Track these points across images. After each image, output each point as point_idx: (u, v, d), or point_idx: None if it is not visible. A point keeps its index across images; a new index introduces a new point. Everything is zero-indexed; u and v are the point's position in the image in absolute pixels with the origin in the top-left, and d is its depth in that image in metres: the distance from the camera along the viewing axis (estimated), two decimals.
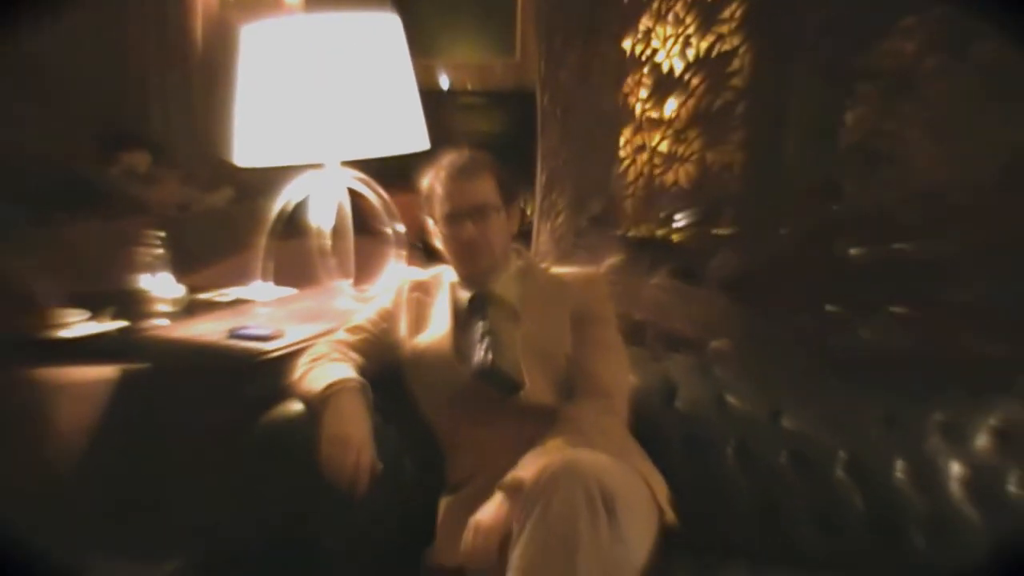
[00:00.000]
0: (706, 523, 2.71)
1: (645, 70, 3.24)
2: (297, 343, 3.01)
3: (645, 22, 3.24)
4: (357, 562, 2.54)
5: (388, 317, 2.87)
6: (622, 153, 3.28)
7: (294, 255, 3.48)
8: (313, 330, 3.10)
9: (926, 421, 2.79)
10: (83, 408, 3.00)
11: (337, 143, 3.25)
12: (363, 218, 3.50)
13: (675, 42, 3.18)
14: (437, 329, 2.77)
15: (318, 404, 2.53)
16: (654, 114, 3.23)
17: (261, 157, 3.27)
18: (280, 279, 3.63)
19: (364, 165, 3.44)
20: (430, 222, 2.84)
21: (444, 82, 4.86)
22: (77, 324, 3.40)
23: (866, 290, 3.01)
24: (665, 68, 3.20)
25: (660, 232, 3.27)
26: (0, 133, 5.18)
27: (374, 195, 3.42)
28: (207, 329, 3.19)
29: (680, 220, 3.22)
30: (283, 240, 3.47)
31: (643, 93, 3.25)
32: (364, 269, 3.51)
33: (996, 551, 2.58)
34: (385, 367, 2.78)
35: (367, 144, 3.28)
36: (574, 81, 3.43)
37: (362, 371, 2.69)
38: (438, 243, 2.85)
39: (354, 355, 2.76)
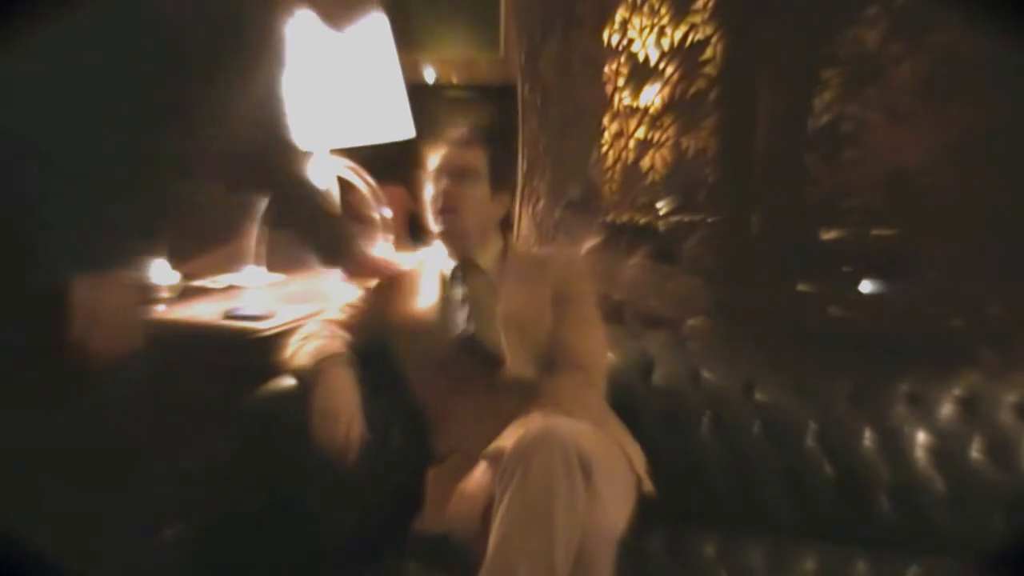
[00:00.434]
0: (682, 492, 2.79)
1: (622, 59, 3.30)
2: (288, 323, 3.09)
3: (622, 13, 3.31)
4: (347, 529, 2.60)
5: (379, 292, 2.96)
6: (601, 140, 3.36)
7: (284, 241, 3.55)
8: (303, 311, 3.19)
9: (892, 392, 2.90)
10: None
11: (326, 132, 3.32)
12: (351, 204, 3.58)
13: (650, 32, 3.24)
14: (423, 302, 2.85)
15: (309, 378, 2.61)
16: (631, 102, 3.29)
17: None
18: (271, 265, 3.72)
19: (353, 154, 3.52)
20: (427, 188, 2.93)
21: (430, 76, 4.88)
22: None
23: (835, 269, 3.09)
24: (641, 57, 3.26)
25: (637, 216, 3.34)
26: None
27: (362, 182, 3.51)
28: (202, 311, 3.27)
29: (656, 204, 3.30)
30: (273, 227, 3.54)
31: (620, 81, 3.32)
32: None
33: (960, 514, 2.71)
34: (376, 342, 2.85)
35: (355, 133, 3.37)
36: (553, 70, 3.50)
37: (352, 347, 2.76)
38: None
39: (344, 332, 2.83)
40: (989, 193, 2.94)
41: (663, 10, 3.22)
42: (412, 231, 3.72)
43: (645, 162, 3.29)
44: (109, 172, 2.20)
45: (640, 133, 3.28)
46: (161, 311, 3.31)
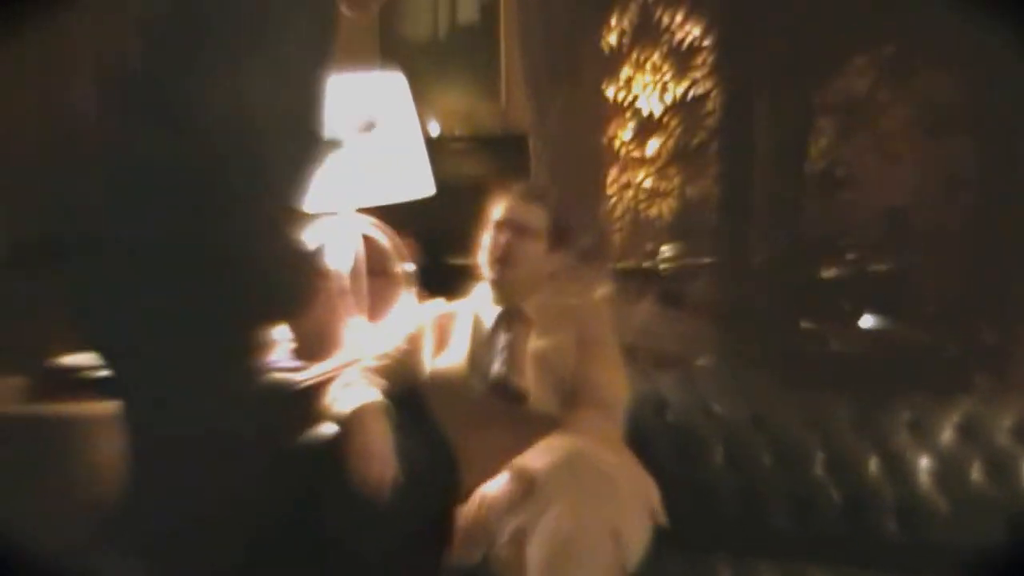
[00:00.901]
0: (697, 520, 2.89)
1: (627, 114, 3.48)
2: (323, 374, 3.23)
3: (626, 71, 3.50)
4: (380, 564, 2.69)
5: (413, 341, 3.06)
6: (609, 191, 3.51)
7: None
8: (334, 362, 3.33)
9: (895, 420, 3.03)
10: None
11: (351, 193, 3.47)
12: (376, 260, 3.72)
13: (654, 88, 3.43)
14: (456, 347, 2.96)
15: (348, 425, 2.75)
16: (637, 154, 3.47)
17: None
18: None
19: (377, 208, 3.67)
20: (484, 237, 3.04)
21: (432, 128, 4.95)
22: None
23: (835, 305, 3.25)
24: (645, 112, 3.45)
25: (646, 263, 3.50)
26: None
27: (386, 239, 3.66)
28: None
29: (664, 251, 3.45)
30: None
31: (626, 135, 3.49)
32: (377, 306, 3.73)
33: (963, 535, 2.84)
34: (409, 387, 2.98)
35: (379, 193, 3.51)
36: (561, 126, 3.64)
37: (387, 394, 2.88)
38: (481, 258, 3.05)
39: (380, 380, 2.95)
40: (978, 226, 3.11)
41: (665, 67, 3.41)
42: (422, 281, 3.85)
43: (652, 211, 3.44)
44: None
45: (647, 184, 3.43)
46: None
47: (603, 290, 3.08)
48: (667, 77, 3.45)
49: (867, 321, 3.23)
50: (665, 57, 3.46)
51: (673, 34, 3.42)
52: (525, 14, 3.82)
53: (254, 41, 2.32)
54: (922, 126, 3.17)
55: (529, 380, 2.80)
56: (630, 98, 3.49)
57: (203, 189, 2.23)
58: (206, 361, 2.31)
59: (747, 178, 3.36)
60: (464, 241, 4.70)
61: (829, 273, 3.30)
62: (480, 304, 3.03)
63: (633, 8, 3.48)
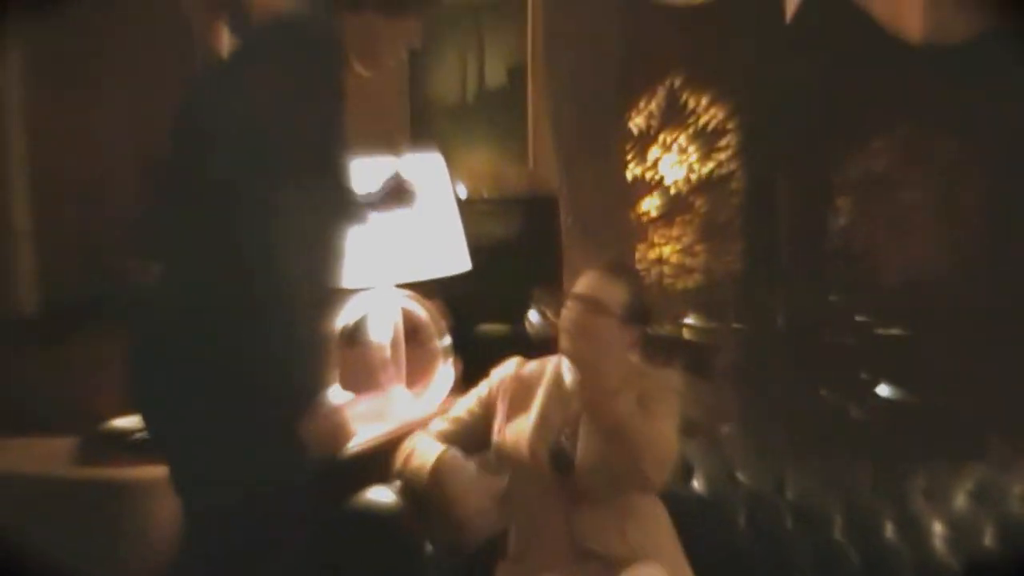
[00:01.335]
0: None
1: (655, 193, 3.63)
2: (369, 443, 3.37)
3: (654, 151, 3.65)
4: None
5: (485, 404, 3.13)
6: (639, 266, 3.66)
7: (354, 364, 3.82)
8: (379, 430, 3.47)
9: (910, 486, 3.18)
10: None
11: (390, 269, 3.64)
12: (415, 334, 3.87)
13: (680, 168, 3.59)
14: (526, 413, 3.01)
15: (432, 479, 2.90)
16: (665, 231, 3.62)
17: None
18: (342, 385, 3.98)
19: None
20: None
21: (460, 191, 5.00)
22: None
23: (854, 373, 3.40)
24: (673, 191, 3.60)
25: (673, 331, 3.65)
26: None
27: (424, 311, 3.82)
28: None
29: (690, 320, 3.59)
30: (343, 350, 3.80)
31: (654, 213, 3.65)
32: (416, 376, 3.88)
33: None
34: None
35: (416, 269, 3.66)
36: (594, 204, 3.81)
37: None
38: None
39: (447, 443, 3.04)
40: (992, 297, 3.26)
41: (692, 148, 3.55)
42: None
43: (679, 284, 3.58)
44: None
45: (674, 259, 3.58)
46: None
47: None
48: (693, 158, 3.59)
49: (884, 389, 3.35)
50: (691, 139, 3.60)
51: (699, 117, 3.55)
52: (555, 98, 3.97)
53: (266, 136, 2.41)
54: (937, 203, 3.30)
55: (584, 451, 2.86)
56: (658, 177, 3.62)
57: (240, 276, 2.37)
58: (253, 430, 2.42)
59: (770, 254, 3.51)
60: (491, 303, 4.85)
61: (848, 342, 3.43)
62: (562, 368, 3.06)
63: (660, 92, 3.62)
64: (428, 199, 3.66)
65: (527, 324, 4.83)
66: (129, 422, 3.45)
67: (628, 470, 2.79)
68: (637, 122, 3.69)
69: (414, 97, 5.62)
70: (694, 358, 3.50)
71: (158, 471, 2.79)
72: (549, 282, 4.09)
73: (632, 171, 3.72)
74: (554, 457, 2.88)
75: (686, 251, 3.59)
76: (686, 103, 3.62)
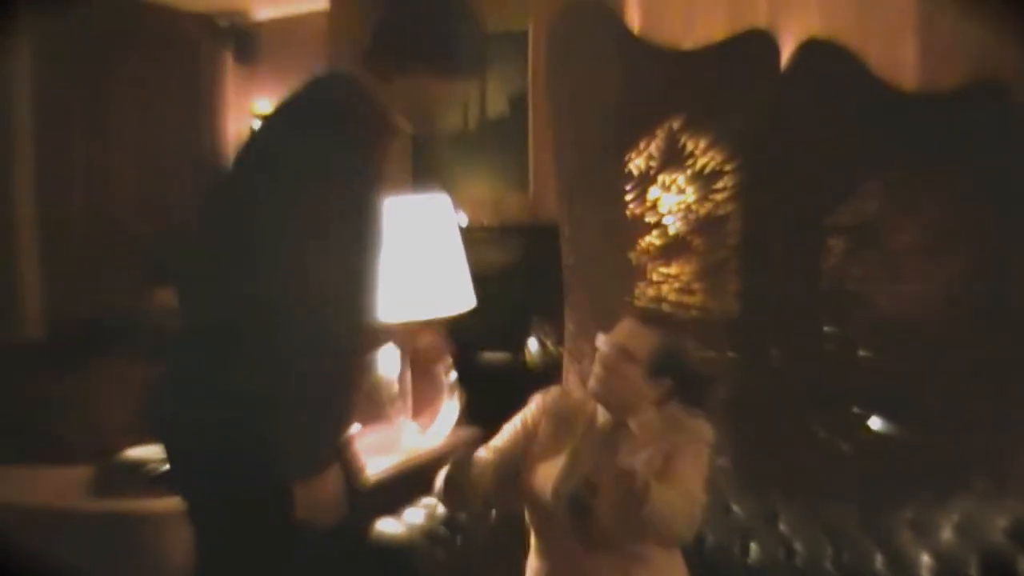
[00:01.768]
0: None
1: (654, 232, 3.73)
2: (378, 475, 3.46)
3: (653, 192, 3.76)
4: None
5: (527, 435, 3.08)
6: (637, 303, 3.75)
7: (362, 397, 3.90)
8: (387, 462, 3.56)
9: (898, 519, 3.31)
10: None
11: (397, 308, 3.72)
12: (423, 370, 3.97)
13: (679, 209, 3.70)
14: (559, 454, 2.98)
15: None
16: (663, 270, 3.72)
17: None
18: None
19: None
20: None
21: (462, 219, 5.04)
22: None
23: (845, 409, 3.50)
24: (671, 231, 3.69)
25: None
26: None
27: (431, 347, 3.93)
28: None
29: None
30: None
31: (652, 252, 3.75)
32: (423, 409, 3.98)
33: None
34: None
35: (424, 307, 3.77)
36: (594, 242, 3.90)
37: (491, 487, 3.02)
38: None
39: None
40: (979, 338, 3.38)
41: (690, 190, 3.66)
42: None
43: (677, 320, 3.67)
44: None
45: (672, 297, 3.67)
46: None
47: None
48: (691, 199, 3.69)
49: (874, 424, 3.45)
50: (689, 180, 3.70)
51: (697, 159, 3.66)
52: (557, 138, 4.04)
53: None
54: (926, 246, 3.42)
55: (607, 504, 2.75)
56: (656, 217, 3.72)
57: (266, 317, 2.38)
58: (267, 459, 2.42)
59: (765, 293, 3.61)
60: (492, 330, 4.94)
61: (840, 379, 3.54)
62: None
63: (660, 134, 3.72)
64: (435, 237, 3.78)
65: (526, 352, 4.94)
66: (143, 452, 3.53)
67: (651, 531, 2.77)
68: (637, 163, 3.79)
69: None
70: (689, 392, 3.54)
71: (172, 503, 2.84)
72: (549, 310, 4.19)
73: (632, 211, 3.81)
74: (573, 504, 2.83)
75: (684, 290, 3.68)
76: (685, 145, 3.72)
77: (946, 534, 3.27)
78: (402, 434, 3.92)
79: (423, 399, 4.05)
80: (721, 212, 3.67)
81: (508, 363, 5.10)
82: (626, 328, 2.97)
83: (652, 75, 3.83)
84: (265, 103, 8.09)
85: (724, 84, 3.70)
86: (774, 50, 3.63)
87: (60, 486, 3.65)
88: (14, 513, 3.45)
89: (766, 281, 3.63)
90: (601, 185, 3.88)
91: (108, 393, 4.40)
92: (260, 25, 8.24)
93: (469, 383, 4.22)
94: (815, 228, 3.58)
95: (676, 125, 3.75)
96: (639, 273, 3.79)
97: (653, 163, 3.77)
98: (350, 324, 2.56)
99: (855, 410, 3.52)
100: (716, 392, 3.25)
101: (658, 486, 2.62)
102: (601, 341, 2.96)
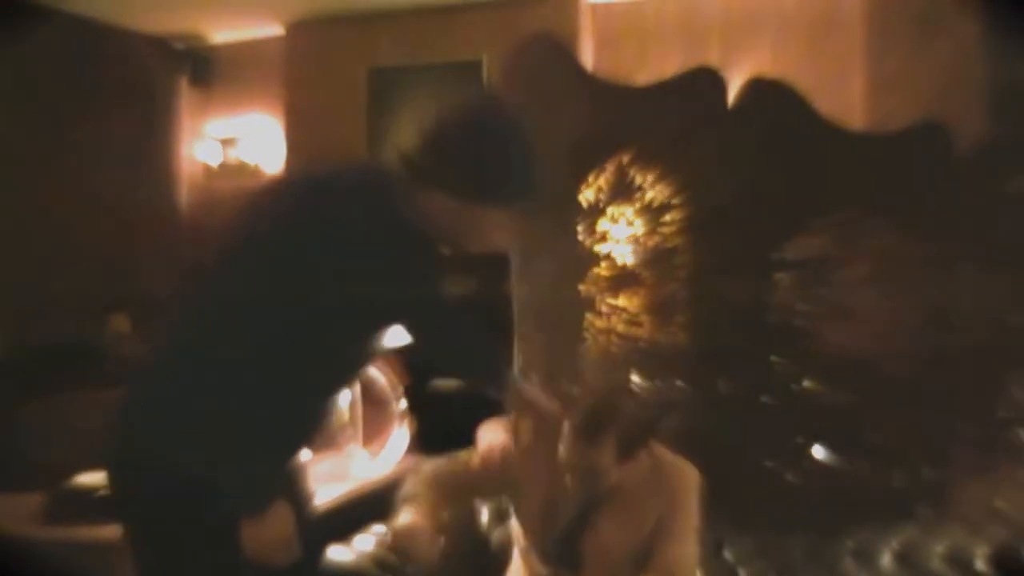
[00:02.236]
0: None
1: (603, 264, 3.78)
2: (328, 504, 3.49)
3: (603, 225, 3.81)
4: None
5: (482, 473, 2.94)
6: (586, 335, 3.80)
7: None
8: (338, 491, 3.59)
9: (840, 547, 3.37)
10: None
11: None
12: (373, 397, 4.01)
13: (628, 242, 3.75)
14: (527, 497, 2.89)
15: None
16: (612, 301, 3.77)
17: None
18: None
19: None
20: None
21: None
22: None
23: (790, 440, 3.57)
24: (620, 263, 3.75)
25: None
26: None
27: (382, 376, 3.97)
28: None
29: (636, 381, 3.73)
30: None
31: (602, 284, 3.80)
32: (372, 436, 4.02)
33: None
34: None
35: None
36: (545, 274, 3.94)
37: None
38: None
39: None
40: (923, 372, 3.46)
41: (638, 223, 3.71)
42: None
43: (624, 354, 3.73)
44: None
45: (621, 328, 3.73)
46: None
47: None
48: (640, 232, 3.75)
49: (819, 455, 3.51)
50: (638, 213, 3.76)
51: (645, 192, 3.71)
52: None
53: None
54: (870, 282, 3.49)
55: (595, 544, 2.74)
56: (606, 250, 3.76)
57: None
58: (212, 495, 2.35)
59: (713, 326, 3.67)
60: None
61: (786, 410, 3.60)
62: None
63: (610, 168, 3.77)
64: None
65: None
66: (93, 479, 3.50)
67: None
68: (587, 195, 3.84)
69: (372, 154, 5.80)
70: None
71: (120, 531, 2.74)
72: (499, 340, 4.24)
73: (581, 242, 3.86)
74: (558, 552, 2.77)
75: (633, 321, 3.72)
76: (634, 179, 3.78)
77: (886, 561, 3.33)
78: (352, 462, 3.96)
79: (373, 427, 4.08)
80: (669, 245, 3.73)
81: (458, 390, 5.13)
82: (585, 413, 2.74)
83: (603, 109, 3.89)
84: (219, 126, 8.15)
85: (673, 120, 3.77)
86: (722, 87, 3.70)
87: (12, 513, 3.62)
88: None
89: (714, 314, 3.69)
90: (552, 217, 3.90)
91: (61, 420, 4.40)
92: (216, 49, 8.29)
93: (419, 411, 4.26)
94: (763, 263, 3.64)
95: (626, 159, 3.80)
96: (588, 304, 3.84)
97: (603, 196, 3.82)
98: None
99: (801, 441, 3.58)
100: (666, 421, 3.20)
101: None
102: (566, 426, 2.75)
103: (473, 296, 5.34)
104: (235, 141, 8.29)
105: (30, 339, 6.23)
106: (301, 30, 7.27)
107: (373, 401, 4.07)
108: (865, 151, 3.57)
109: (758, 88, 3.65)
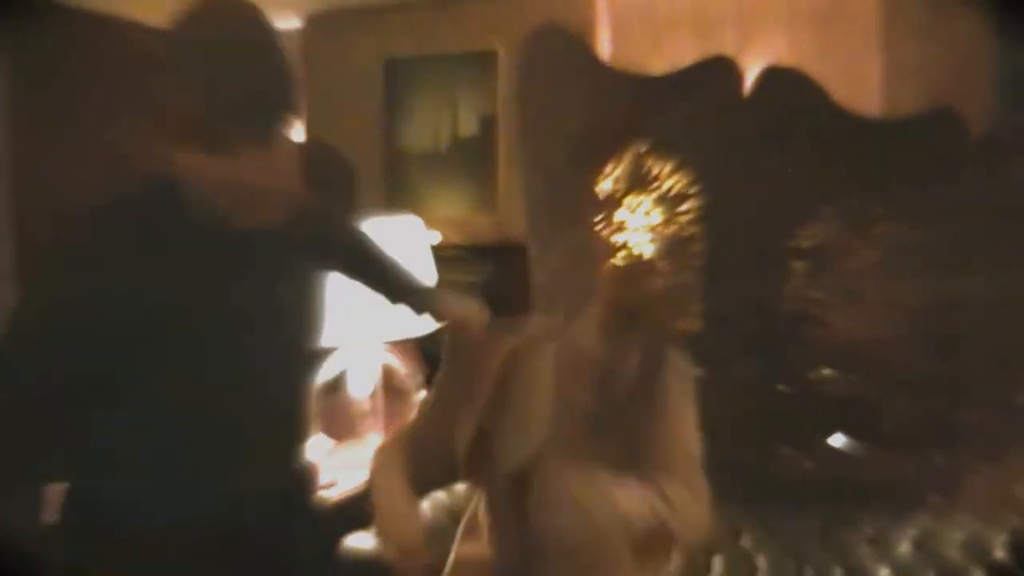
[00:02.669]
0: None
1: (620, 254, 3.78)
2: (349, 491, 3.52)
3: (619, 215, 3.81)
4: None
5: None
6: None
7: (335, 415, 3.97)
8: (359, 478, 3.61)
9: (857, 534, 3.41)
10: None
11: (369, 328, 3.82)
12: (393, 385, 4.04)
13: (645, 231, 3.77)
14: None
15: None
16: None
17: None
18: (325, 434, 4.13)
19: None
20: None
21: (431, 238, 5.06)
22: None
23: (806, 428, 3.59)
24: (636, 253, 3.75)
25: None
26: None
27: (402, 365, 4.00)
28: None
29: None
30: (325, 402, 3.93)
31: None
32: (393, 425, 4.04)
33: None
34: None
35: (395, 326, 3.83)
36: (562, 263, 3.97)
37: None
38: None
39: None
40: (931, 360, 3.46)
41: (655, 212, 3.73)
42: None
43: None
44: None
45: None
46: None
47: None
48: (656, 221, 3.76)
49: (834, 442, 3.53)
50: (655, 203, 3.77)
51: (662, 182, 3.72)
52: (525, 161, 4.11)
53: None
54: (883, 270, 3.50)
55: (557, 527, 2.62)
56: (623, 239, 3.77)
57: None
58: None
59: (728, 315, 3.68)
60: None
61: (801, 397, 3.63)
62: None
63: (627, 158, 3.80)
64: (406, 257, 3.84)
65: None
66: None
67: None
68: (604, 185, 3.85)
69: (388, 145, 5.80)
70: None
71: None
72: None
73: (599, 233, 3.85)
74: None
75: None
76: (651, 169, 3.79)
77: (904, 549, 3.36)
78: (371, 451, 3.96)
79: (394, 416, 4.11)
80: (685, 234, 3.73)
81: None
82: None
83: (619, 99, 3.90)
84: None
85: (689, 109, 3.77)
86: (738, 76, 3.70)
87: None
88: None
89: (729, 302, 3.69)
90: (568, 207, 3.93)
91: None
92: None
93: None
94: (776, 251, 3.66)
95: (642, 149, 3.82)
96: None
97: (620, 186, 3.83)
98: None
99: (816, 428, 3.61)
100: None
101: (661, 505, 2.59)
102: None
103: (491, 285, 5.34)
104: None
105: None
106: (319, 22, 7.28)
107: (393, 390, 4.10)
108: (878, 138, 3.57)
109: (773, 76, 3.65)
